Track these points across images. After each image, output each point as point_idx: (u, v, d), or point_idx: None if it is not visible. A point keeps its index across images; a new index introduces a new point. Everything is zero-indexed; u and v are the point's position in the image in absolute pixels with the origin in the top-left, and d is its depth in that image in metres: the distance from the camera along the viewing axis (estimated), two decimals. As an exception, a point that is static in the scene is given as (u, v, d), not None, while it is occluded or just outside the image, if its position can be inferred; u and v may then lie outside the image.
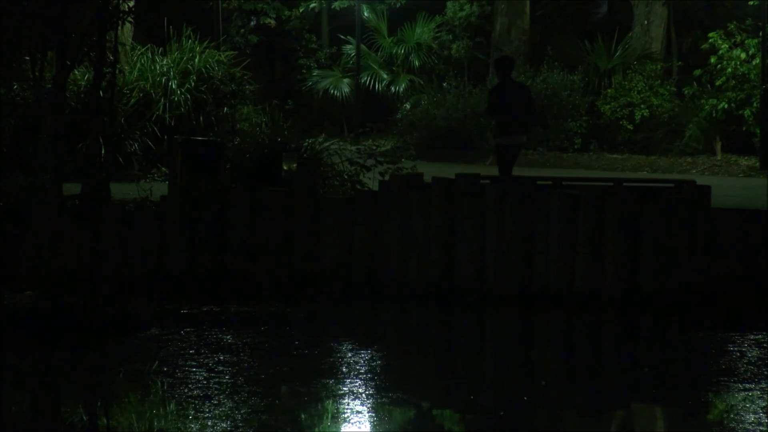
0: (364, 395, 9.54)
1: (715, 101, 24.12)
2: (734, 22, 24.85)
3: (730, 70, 24.21)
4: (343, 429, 8.83)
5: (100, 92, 15.49)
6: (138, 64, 19.53)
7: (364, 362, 10.68)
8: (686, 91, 25.29)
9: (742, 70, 24.14)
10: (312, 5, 31.12)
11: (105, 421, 9.14)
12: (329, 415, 9.07)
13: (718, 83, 24.46)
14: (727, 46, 24.47)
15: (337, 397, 9.50)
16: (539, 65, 26.85)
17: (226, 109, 19.70)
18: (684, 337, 12.28)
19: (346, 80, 29.93)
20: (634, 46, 27.00)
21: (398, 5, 30.22)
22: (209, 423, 8.67)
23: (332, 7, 31.16)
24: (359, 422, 8.93)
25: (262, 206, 13.91)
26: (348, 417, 9.01)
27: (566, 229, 13.16)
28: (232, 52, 21.25)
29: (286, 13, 30.94)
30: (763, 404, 9.48)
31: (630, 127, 25.15)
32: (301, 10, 31.07)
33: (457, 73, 27.91)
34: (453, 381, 10.54)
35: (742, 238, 13.29)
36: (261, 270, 13.76)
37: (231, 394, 9.47)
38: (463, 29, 29.31)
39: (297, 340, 11.73)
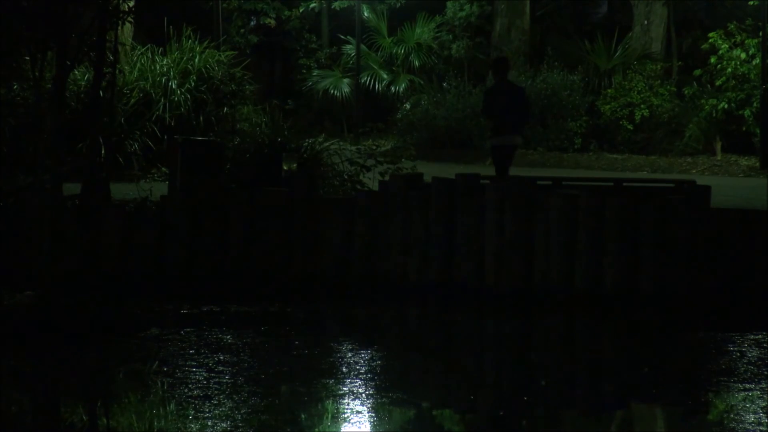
0: (364, 395, 9.54)
1: (715, 101, 24.12)
2: (734, 22, 24.85)
3: (730, 70, 24.22)
4: (343, 429, 8.83)
5: (100, 92, 15.49)
6: (138, 64, 19.54)
7: (364, 362, 10.68)
8: (686, 91, 25.29)
9: (742, 70, 24.14)
10: (312, 5, 31.11)
11: (105, 421, 9.14)
12: (329, 415, 9.07)
13: (718, 83, 24.46)
14: (727, 46, 24.47)
15: (337, 397, 9.50)
16: (539, 65, 26.85)
17: (226, 109, 19.70)
18: (684, 337, 12.27)
19: (346, 80, 29.91)
20: (634, 46, 26.99)
21: (398, 5, 30.21)
22: (209, 423, 8.67)
23: (332, 7, 31.15)
24: (359, 422, 8.93)
25: (262, 206, 13.91)
26: (348, 417, 9.01)
27: (566, 229, 13.17)
28: (232, 52, 21.25)
29: (286, 13, 30.93)
30: (763, 404, 9.48)
31: (630, 127, 25.15)
32: (301, 10, 31.06)
33: (457, 73, 27.90)
34: (453, 381, 10.54)
35: (742, 238, 13.29)
36: (261, 270, 13.76)
37: (231, 394, 9.46)
38: (463, 29, 29.30)
39: (297, 340, 11.72)
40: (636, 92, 25.42)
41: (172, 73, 19.39)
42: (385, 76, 29.54)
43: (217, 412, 8.94)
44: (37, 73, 15.11)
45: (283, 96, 29.59)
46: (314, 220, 13.82)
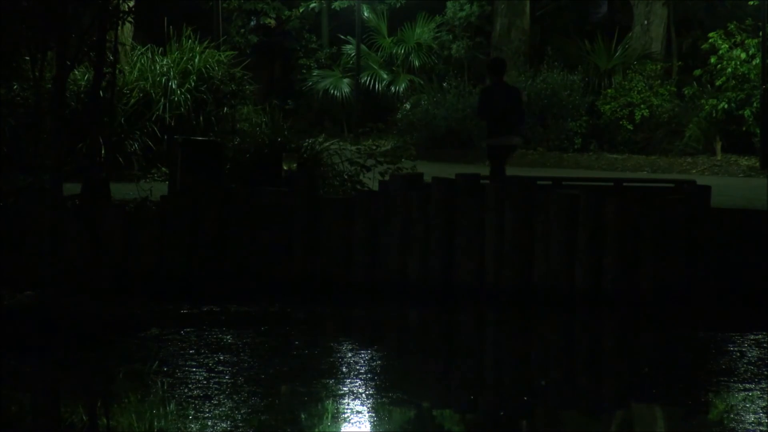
0: (364, 395, 9.54)
1: (715, 101, 24.13)
2: (734, 22, 24.85)
3: (730, 70, 24.22)
4: (343, 429, 8.83)
5: (100, 92, 15.49)
6: (138, 64, 19.54)
7: (364, 362, 10.68)
8: (686, 91, 25.29)
9: (742, 70, 24.14)
10: (312, 5, 31.11)
11: (105, 421, 9.14)
12: (329, 415, 9.07)
13: (718, 83, 24.46)
14: (727, 46, 24.47)
15: (337, 397, 9.50)
16: (539, 65, 26.85)
17: (226, 109, 19.70)
18: (684, 337, 12.27)
19: (346, 80, 29.92)
20: (634, 46, 27.00)
21: (398, 5, 30.21)
22: (209, 423, 8.67)
23: (332, 7, 31.15)
24: (359, 422, 8.93)
25: (262, 206, 13.91)
26: (348, 417, 9.01)
27: (566, 229, 13.17)
28: (232, 52, 21.26)
29: (286, 13, 30.93)
30: (763, 404, 9.48)
31: (630, 127, 25.15)
32: (301, 10, 31.06)
33: (457, 73, 27.90)
34: (453, 381, 10.54)
35: (742, 238, 13.29)
36: (261, 270, 13.75)
37: (231, 394, 9.46)
38: (463, 29, 29.31)
39: (297, 340, 11.72)
40: (636, 92, 25.43)
41: (172, 73, 19.39)
42: (385, 76, 29.55)
43: (217, 412, 8.94)
44: (37, 73, 15.12)
45: (283, 96, 29.59)
46: (314, 220, 13.82)
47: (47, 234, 13.63)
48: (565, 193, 13.50)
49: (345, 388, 9.71)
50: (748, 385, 9.95)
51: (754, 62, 23.99)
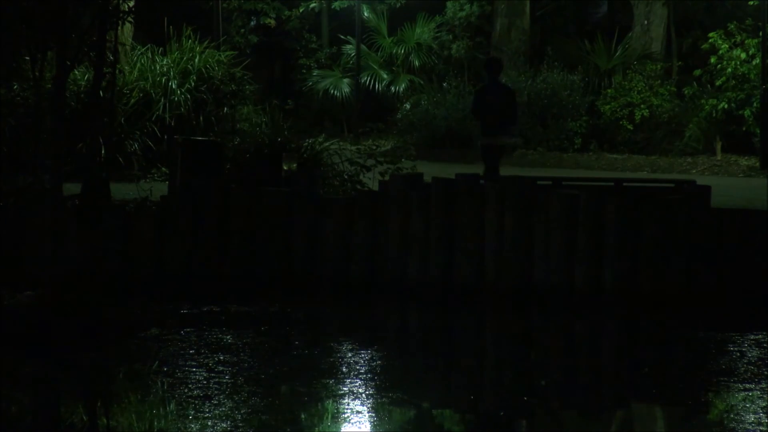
0: (364, 395, 9.54)
1: (715, 101, 24.13)
2: (734, 22, 24.86)
3: (730, 70, 24.23)
4: (343, 429, 8.83)
5: (100, 92, 15.49)
6: (138, 64, 19.55)
7: (364, 362, 10.68)
8: (686, 91, 25.30)
9: (742, 70, 24.15)
10: (312, 5, 31.12)
11: (105, 421, 9.14)
12: (329, 415, 9.07)
13: (718, 83, 24.47)
14: (727, 46, 24.48)
15: (337, 397, 9.50)
16: (539, 65, 26.86)
17: (226, 109, 19.71)
18: (684, 337, 12.27)
19: (346, 80, 29.93)
20: (634, 46, 27.00)
21: (398, 5, 30.22)
22: (209, 423, 8.67)
23: (332, 7, 31.16)
24: (359, 422, 8.93)
25: (262, 206, 13.91)
26: (348, 417, 9.01)
27: (566, 229, 13.17)
28: (232, 52, 21.26)
29: (286, 13, 30.94)
30: (763, 404, 9.48)
31: (630, 127, 25.16)
32: (301, 10, 31.07)
33: (457, 73, 27.92)
34: (453, 381, 10.54)
35: (742, 238, 13.29)
36: (261, 270, 13.75)
37: (231, 394, 9.46)
38: (463, 29, 29.32)
39: (297, 340, 11.73)
40: (636, 92, 25.44)
41: (172, 73, 19.40)
42: (385, 76, 29.55)
43: (217, 412, 8.94)
44: (37, 73, 15.12)
45: (283, 96, 29.60)
46: (314, 220, 13.82)
47: (47, 234, 13.63)
48: (565, 193, 13.50)
49: (345, 388, 9.71)
50: (748, 385, 9.95)
51: (754, 62, 24.00)
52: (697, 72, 25.25)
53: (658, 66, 26.50)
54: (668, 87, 25.89)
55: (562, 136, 25.22)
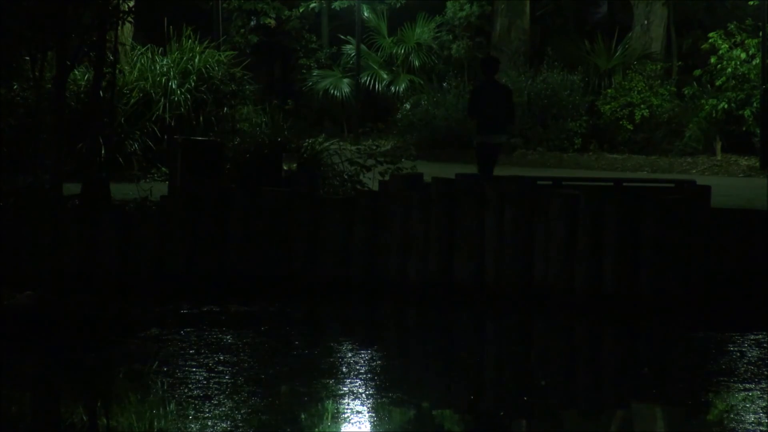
0: (364, 395, 9.54)
1: (715, 101, 24.12)
2: (734, 22, 24.85)
3: (730, 70, 24.21)
4: (343, 429, 8.83)
5: (100, 92, 15.49)
6: (138, 64, 19.55)
7: (364, 362, 10.68)
8: (686, 91, 25.28)
9: (742, 70, 24.14)
10: (312, 5, 31.11)
11: (105, 421, 9.14)
12: (329, 415, 9.07)
13: (718, 83, 24.46)
14: (727, 46, 24.47)
15: (337, 397, 9.50)
16: (539, 65, 26.84)
17: (226, 109, 19.70)
18: (684, 337, 12.28)
19: (346, 80, 29.92)
20: (634, 46, 26.99)
21: (398, 5, 30.21)
22: (209, 423, 8.67)
23: (332, 7, 31.15)
24: (359, 422, 8.93)
25: (262, 206, 13.91)
26: (348, 417, 9.01)
27: (566, 229, 13.17)
28: (232, 52, 21.26)
29: (286, 13, 30.93)
30: (763, 404, 9.48)
31: (630, 127, 25.15)
32: (301, 10, 31.06)
33: (457, 73, 27.91)
34: (453, 381, 10.54)
35: (742, 238, 13.29)
36: (261, 270, 13.75)
37: (231, 394, 9.47)
38: (463, 29, 29.30)
39: (297, 340, 11.73)
40: (636, 92, 25.42)
41: (172, 73, 19.39)
42: (385, 76, 29.54)
43: (217, 412, 8.95)
44: (37, 73, 15.12)
45: (283, 96, 29.59)
46: (314, 220, 13.82)
47: (47, 234, 13.63)
48: (565, 193, 13.50)
49: (345, 388, 9.71)
50: (748, 385, 9.95)
51: (754, 62, 23.99)
52: (697, 72, 25.23)
53: (658, 66, 26.49)
54: (668, 87, 25.88)
55: (562, 136, 25.21)
